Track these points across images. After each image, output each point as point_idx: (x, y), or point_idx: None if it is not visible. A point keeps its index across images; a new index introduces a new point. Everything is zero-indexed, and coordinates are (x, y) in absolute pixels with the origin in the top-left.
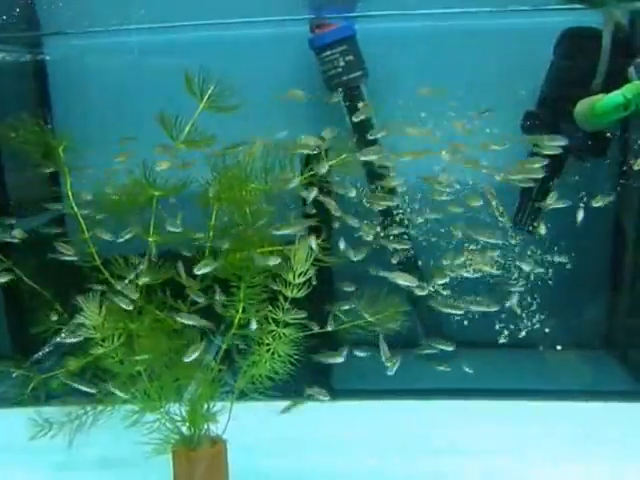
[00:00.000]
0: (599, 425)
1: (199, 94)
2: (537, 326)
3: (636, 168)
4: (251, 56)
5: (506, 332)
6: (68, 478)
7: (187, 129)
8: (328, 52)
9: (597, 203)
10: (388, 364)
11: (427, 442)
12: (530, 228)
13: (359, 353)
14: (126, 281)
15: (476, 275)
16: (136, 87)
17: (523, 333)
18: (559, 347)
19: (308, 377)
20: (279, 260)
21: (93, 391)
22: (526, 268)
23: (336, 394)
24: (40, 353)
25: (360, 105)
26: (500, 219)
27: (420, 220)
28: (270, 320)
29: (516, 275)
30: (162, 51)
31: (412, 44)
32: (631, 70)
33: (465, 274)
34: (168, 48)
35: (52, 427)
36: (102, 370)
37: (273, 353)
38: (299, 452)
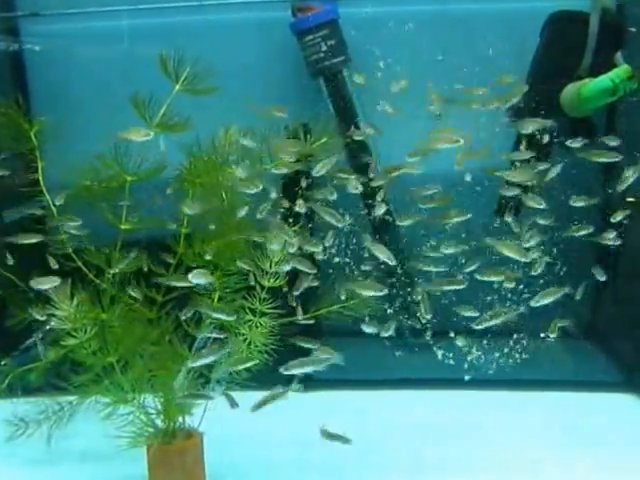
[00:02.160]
0: (582, 415)
1: (174, 76)
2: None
3: None
4: (232, 41)
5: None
6: (45, 471)
7: (162, 112)
8: (310, 37)
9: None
10: None
11: (410, 432)
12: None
13: None
14: None
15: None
16: (116, 71)
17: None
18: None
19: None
20: None
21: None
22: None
23: (316, 384)
24: (28, 342)
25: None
26: None
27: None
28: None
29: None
30: (142, 35)
31: (398, 29)
32: (618, 55)
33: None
34: (149, 32)
35: (28, 426)
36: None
37: (249, 343)
38: (277, 444)
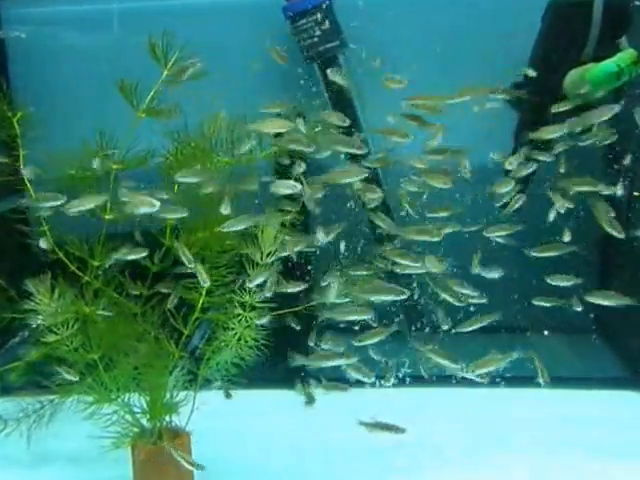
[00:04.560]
0: (586, 412)
1: (163, 61)
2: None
3: None
4: (224, 25)
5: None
6: (23, 473)
7: (149, 97)
8: (303, 20)
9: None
10: None
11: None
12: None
13: None
14: None
15: None
16: (101, 58)
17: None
18: (546, 332)
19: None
20: None
21: None
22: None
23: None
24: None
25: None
26: None
27: None
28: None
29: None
30: (128, 19)
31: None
32: (623, 39)
33: None
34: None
35: (7, 424)
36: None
37: (239, 338)
38: (266, 443)
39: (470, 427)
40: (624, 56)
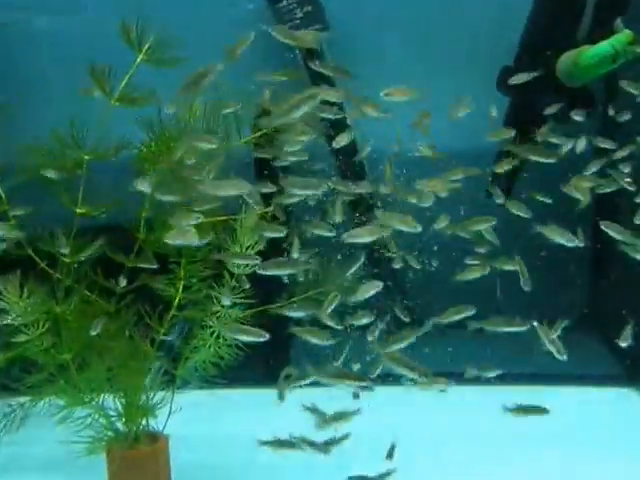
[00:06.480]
0: (581, 410)
1: (136, 45)
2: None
3: None
4: (200, 9)
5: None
6: None
7: (123, 83)
8: (284, 2)
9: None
10: None
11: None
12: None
13: None
14: None
15: None
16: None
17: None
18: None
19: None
20: None
21: None
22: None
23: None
24: None
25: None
26: None
27: None
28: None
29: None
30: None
31: None
32: (618, 21)
33: None
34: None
35: None
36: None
37: (218, 336)
38: (246, 445)
39: (463, 425)
40: (620, 37)
